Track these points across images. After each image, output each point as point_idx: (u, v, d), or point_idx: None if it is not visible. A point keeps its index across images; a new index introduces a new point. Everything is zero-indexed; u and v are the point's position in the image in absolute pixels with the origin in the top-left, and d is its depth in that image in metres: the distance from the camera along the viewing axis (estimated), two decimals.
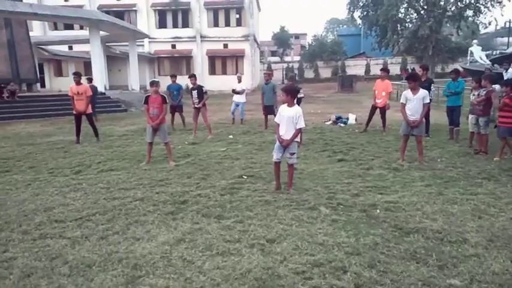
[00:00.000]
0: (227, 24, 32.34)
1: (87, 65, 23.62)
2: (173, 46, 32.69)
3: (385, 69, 10.14)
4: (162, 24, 32.55)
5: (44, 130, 11.93)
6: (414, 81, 6.32)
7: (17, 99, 16.54)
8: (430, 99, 6.84)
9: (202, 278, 2.92)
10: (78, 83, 9.09)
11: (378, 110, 9.79)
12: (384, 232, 3.65)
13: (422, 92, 6.28)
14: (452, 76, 8.70)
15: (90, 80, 14.40)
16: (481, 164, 6.22)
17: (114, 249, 3.41)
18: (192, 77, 10.08)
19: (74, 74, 9.35)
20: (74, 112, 9.13)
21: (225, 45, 32.44)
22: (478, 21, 37.33)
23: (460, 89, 8.50)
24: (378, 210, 4.23)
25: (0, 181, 5.90)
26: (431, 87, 8.75)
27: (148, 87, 7.05)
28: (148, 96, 6.78)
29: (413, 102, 6.26)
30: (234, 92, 12.21)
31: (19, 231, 3.88)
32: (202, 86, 9.92)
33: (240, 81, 12.55)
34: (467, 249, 3.26)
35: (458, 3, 35.15)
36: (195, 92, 9.73)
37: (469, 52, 22.33)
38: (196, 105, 9.74)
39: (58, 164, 6.98)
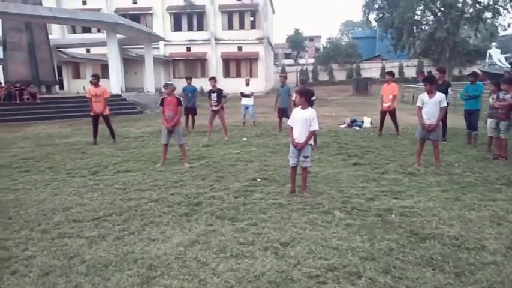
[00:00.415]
0: (241, 27, 32.52)
1: (104, 67, 24.05)
2: (188, 49, 33.03)
3: (390, 73, 10.09)
4: (177, 27, 32.94)
5: (62, 131, 12.19)
6: (430, 83, 6.22)
7: (37, 101, 16.95)
8: (448, 103, 6.72)
9: (216, 279, 2.93)
10: (96, 85, 9.22)
11: (387, 114, 9.70)
12: (399, 237, 3.61)
13: (439, 95, 6.18)
14: (470, 79, 8.55)
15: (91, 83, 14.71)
16: (500, 169, 6.09)
17: (130, 250, 3.46)
18: (212, 79, 10.27)
19: (92, 76, 9.49)
20: (92, 113, 9.29)
21: (239, 48, 32.61)
22: (496, 23, 36.62)
23: (478, 93, 8.34)
24: (393, 215, 4.18)
25: (20, 181, 6.06)
26: (449, 90, 8.61)
27: (163, 90, 7.13)
28: (164, 98, 6.86)
29: (430, 105, 6.17)
30: (243, 95, 12.29)
31: (38, 230, 3.98)
32: (221, 90, 10.04)
33: (247, 84, 12.64)
34: (486, 257, 3.20)
35: (477, 5, 34.54)
36: (214, 95, 9.87)
37: (487, 55, 21.90)
38: (214, 108, 9.86)
39: (76, 165, 7.12)
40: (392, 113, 9.64)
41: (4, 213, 4.52)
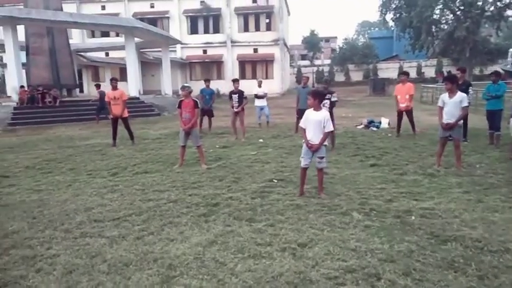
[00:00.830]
0: (257, 29, 32.63)
1: (123, 70, 24.49)
2: (204, 51, 33.33)
3: (405, 73, 10.00)
4: (193, 30, 33.29)
5: (82, 133, 12.47)
6: (452, 83, 6.10)
7: (58, 104, 17.39)
8: (469, 103, 6.58)
9: (235, 280, 2.95)
10: (114, 88, 9.40)
11: (403, 114, 9.57)
12: (419, 239, 3.55)
13: (460, 95, 6.06)
14: (492, 78, 8.33)
15: (98, 86, 15.09)
16: None
17: (149, 249, 3.52)
18: (236, 81, 10.49)
19: (111, 79, 9.68)
20: (111, 116, 9.47)
21: (255, 50, 32.72)
22: None
23: (501, 92, 8.14)
24: (413, 217, 4.12)
25: (43, 182, 6.23)
26: (469, 90, 8.43)
27: (180, 92, 7.22)
28: (182, 100, 6.96)
29: (450, 105, 6.05)
30: (256, 96, 12.33)
31: (61, 229, 4.08)
32: (243, 91, 10.21)
33: (260, 85, 12.66)
34: (510, 259, 3.12)
35: (498, 3, 33.68)
36: (235, 96, 10.10)
37: (509, 53, 21.34)
38: (235, 109, 10.04)
39: (96, 166, 7.28)
40: (410, 112, 9.52)
41: (28, 213, 4.66)
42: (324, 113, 4.87)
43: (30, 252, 3.55)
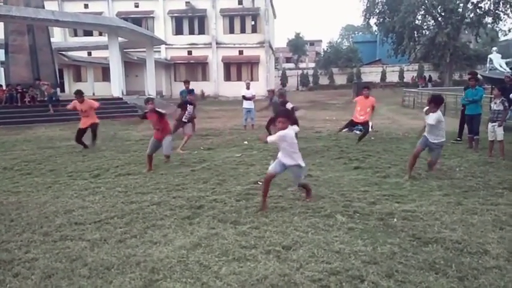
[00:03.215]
0: (242, 30, 32.67)
1: (106, 70, 24.14)
2: (189, 52, 33.16)
3: (367, 87, 9.81)
4: (178, 31, 33.09)
5: (63, 134, 12.20)
6: (436, 104, 5.90)
7: (36, 104, 16.97)
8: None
9: (219, 283, 2.93)
10: (81, 102, 8.97)
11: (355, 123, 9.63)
12: (401, 241, 3.60)
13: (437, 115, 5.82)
14: (471, 83, 8.47)
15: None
16: (502, 173, 6.09)
17: (132, 253, 3.46)
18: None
19: (75, 93, 9.16)
20: (81, 127, 9.05)
21: (240, 52, 32.74)
22: (497, 28, 36.79)
23: (478, 97, 8.31)
24: (395, 219, 4.18)
25: (22, 183, 6.06)
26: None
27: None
28: (146, 112, 6.90)
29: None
30: (244, 98, 12.33)
31: (40, 232, 3.97)
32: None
33: (248, 87, 12.68)
34: (488, 261, 3.19)
35: (477, 10, 34.71)
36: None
37: (488, 59, 21.93)
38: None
39: (77, 168, 7.13)
40: (366, 123, 9.42)
41: (6, 215, 4.52)
42: (293, 128, 4.65)
43: (8, 256, 3.44)
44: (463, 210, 4.44)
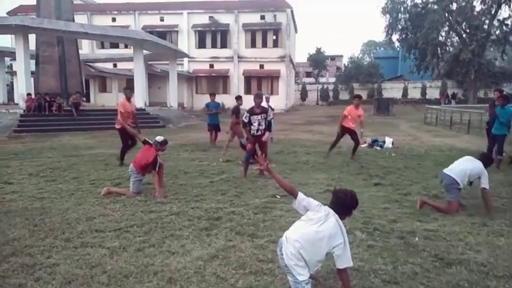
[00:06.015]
0: (264, 45, 33.04)
1: (130, 82, 24.75)
2: (211, 66, 33.71)
3: (358, 96, 9.59)
4: (201, 45, 33.76)
5: (87, 143, 12.52)
6: None
7: (62, 113, 17.52)
8: None
9: None
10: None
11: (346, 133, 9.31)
12: (423, 261, 3.50)
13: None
14: (500, 102, 8.03)
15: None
16: None
17: (150, 262, 3.49)
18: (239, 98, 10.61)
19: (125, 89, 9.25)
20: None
21: (261, 66, 33.06)
22: None
23: (504, 120, 7.93)
24: (417, 238, 4.06)
25: (47, 189, 6.23)
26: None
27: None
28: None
29: None
30: None
31: (62, 238, 4.06)
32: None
33: (268, 101, 12.72)
34: None
35: (503, 27, 34.01)
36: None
37: None
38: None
39: (99, 176, 7.28)
40: (355, 132, 9.22)
41: (30, 220, 4.64)
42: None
43: (30, 260, 3.53)
44: (488, 231, 4.29)
